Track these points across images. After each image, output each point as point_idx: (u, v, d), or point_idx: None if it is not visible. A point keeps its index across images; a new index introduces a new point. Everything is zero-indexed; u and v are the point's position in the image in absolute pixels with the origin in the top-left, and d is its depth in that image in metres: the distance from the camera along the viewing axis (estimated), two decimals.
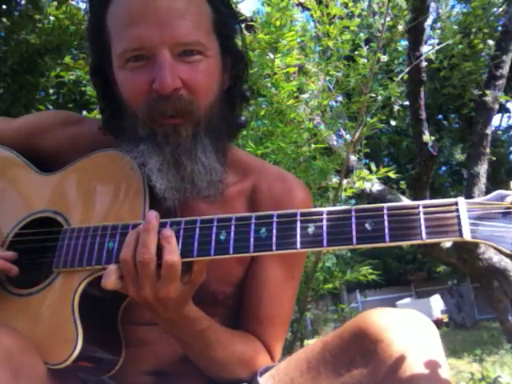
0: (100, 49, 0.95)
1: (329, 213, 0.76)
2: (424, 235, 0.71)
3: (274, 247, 0.77)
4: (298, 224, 0.77)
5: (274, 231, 0.77)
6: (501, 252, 0.70)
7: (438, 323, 12.23)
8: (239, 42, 1.02)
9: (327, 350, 0.86)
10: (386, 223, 0.73)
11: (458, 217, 0.71)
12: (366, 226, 0.74)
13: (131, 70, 0.89)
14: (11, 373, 0.75)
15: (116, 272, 0.80)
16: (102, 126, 1.02)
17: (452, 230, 0.71)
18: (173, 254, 0.78)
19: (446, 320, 13.63)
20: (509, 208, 0.70)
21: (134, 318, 0.97)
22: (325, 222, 0.76)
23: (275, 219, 0.78)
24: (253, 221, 0.79)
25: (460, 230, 0.70)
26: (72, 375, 0.90)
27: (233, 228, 0.79)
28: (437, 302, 14.28)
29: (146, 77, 0.88)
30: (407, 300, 15.17)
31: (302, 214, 0.77)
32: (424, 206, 0.73)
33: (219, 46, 0.95)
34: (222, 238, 0.79)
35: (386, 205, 0.75)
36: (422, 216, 0.72)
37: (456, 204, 0.72)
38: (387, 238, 0.73)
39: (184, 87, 0.89)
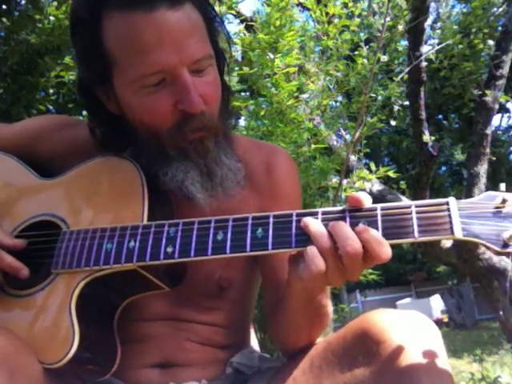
0: (97, 70, 0.92)
1: (324, 213, 0.78)
2: (416, 233, 0.73)
3: (269, 246, 0.78)
4: (294, 224, 0.78)
5: (270, 231, 0.79)
6: (490, 249, 0.72)
7: (438, 323, 12.23)
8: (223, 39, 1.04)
9: (330, 350, 0.87)
10: (380, 222, 0.75)
11: (450, 215, 0.72)
12: (360, 225, 0.75)
13: (149, 95, 0.89)
14: (7, 373, 0.75)
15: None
16: (98, 144, 1.01)
17: (444, 228, 0.72)
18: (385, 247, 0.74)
19: (446, 320, 13.63)
20: (498, 208, 0.72)
21: (137, 314, 0.98)
22: (320, 222, 0.77)
23: (271, 219, 0.80)
24: (249, 221, 0.81)
25: (451, 229, 0.72)
26: (70, 375, 0.90)
27: (230, 228, 0.81)
28: (437, 302, 14.29)
29: (169, 99, 0.89)
30: (407, 300, 15.18)
31: (298, 215, 0.79)
32: (416, 206, 0.75)
33: (212, 49, 0.96)
34: (219, 238, 0.81)
35: (379, 205, 0.76)
36: (414, 215, 0.74)
37: (447, 203, 0.74)
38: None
39: (203, 103, 0.91)
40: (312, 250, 0.75)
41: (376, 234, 0.73)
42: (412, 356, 0.76)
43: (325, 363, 0.87)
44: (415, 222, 0.73)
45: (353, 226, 0.75)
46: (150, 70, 0.87)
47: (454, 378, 0.78)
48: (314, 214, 0.78)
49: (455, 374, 4.61)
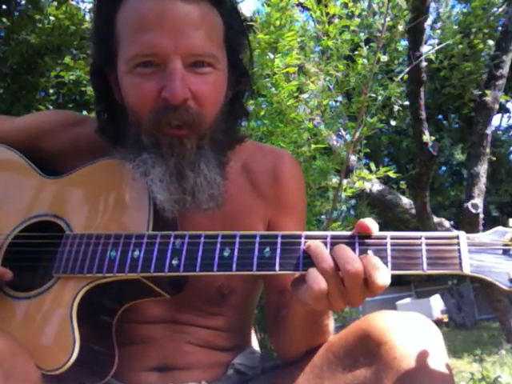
0: (105, 50, 0.93)
1: (333, 237, 0.77)
2: (425, 266, 0.72)
3: (277, 267, 0.77)
4: (302, 246, 0.77)
5: (278, 251, 0.77)
6: (497, 287, 0.71)
7: (438, 323, 12.21)
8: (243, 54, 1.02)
9: (331, 352, 0.87)
10: (389, 251, 0.74)
11: (459, 250, 0.72)
12: (369, 252, 0.74)
13: (139, 76, 0.88)
14: (2, 376, 0.75)
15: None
16: (98, 130, 1.01)
17: (452, 262, 0.72)
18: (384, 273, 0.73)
19: (446, 320, 13.62)
20: (507, 245, 0.72)
21: (136, 317, 0.98)
22: (328, 246, 0.76)
23: (279, 240, 0.78)
24: (257, 240, 0.79)
25: (460, 264, 0.71)
26: (68, 379, 0.89)
27: (237, 245, 0.79)
28: (437, 302, 14.28)
29: (155, 84, 0.87)
30: (407, 300, 15.17)
31: (307, 237, 0.77)
32: (426, 238, 0.74)
33: (227, 60, 0.94)
34: (226, 254, 0.79)
35: (389, 233, 0.75)
36: (423, 247, 0.73)
37: (457, 237, 0.73)
38: (389, 266, 0.73)
39: (192, 98, 0.88)
40: (313, 272, 0.73)
41: (374, 260, 0.72)
42: (413, 357, 0.76)
43: (326, 364, 0.86)
44: (424, 254, 0.73)
45: (362, 253, 0.74)
46: (143, 51, 0.86)
47: (454, 378, 0.78)
48: (323, 238, 0.77)
49: (455, 374, 4.61)
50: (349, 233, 0.77)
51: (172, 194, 0.88)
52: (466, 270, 0.71)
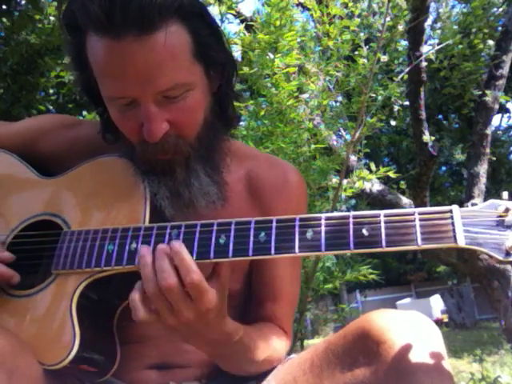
0: (84, 76, 0.94)
1: (327, 218, 0.78)
2: (419, 241, 0.73)
3: (272, 251, 0.78)
4: (297, 229, 0.78)
5: (273, 236, 0.78)
6: (492, 258, 0.72)
7: (438, 323, 12.22)
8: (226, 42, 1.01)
9: (330, 351, 0.88)
10: (383, 229, 0.75)
11: (453, 223, 0.73)
12: (363, 231, 0.75)
13: (119, 111, 0.90)
14: (5, 374, 0.75)
15: (144, 304, 0.78)
16: (102, 131, 1.02)
17: (447, 236, 0.72)
18: (192, 274, 0.76)
19: (446, 320, 13.63)
20: (501, 216, 0.72)
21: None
22: (323, 228, 0.77)
23: (274, 224, 0.79)
24: (252, 225, 0.80)
25: (454, 237, 0.72)
26: (69, 375, 0.90)
27: (232, 232, 0.80)
28: (437, 302, 14.29)
29: (135, 120, 0.89)
30: (407, 300, 15.19)
31: (301, 220, 0.79)
32: (420, 213, 0.75)
33: (203, 66, 0.91)
34: (222, 241, 0.80)
35: (382, 211, 0.76)
36: (417, 222, 0.74)
37: (450, 211, 0.74)
38: (384, 243, 0.74)
39: (171, 127, 0.89)
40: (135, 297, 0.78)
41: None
42: (412, 356, 0.76)
43: (325, 363, 0.87)
44: (418, 229, 0.73)
45: (356, 231, 0.75)
46: (117, 95, 0.87)
47: (454, 378, 0.78)
48: (317, 219, 0.78)
49: (455, 374, 4.61)
50: (343, 213, 0.78)
51: (176, 208, 0.94)
52: (461, 242, 0.71)
